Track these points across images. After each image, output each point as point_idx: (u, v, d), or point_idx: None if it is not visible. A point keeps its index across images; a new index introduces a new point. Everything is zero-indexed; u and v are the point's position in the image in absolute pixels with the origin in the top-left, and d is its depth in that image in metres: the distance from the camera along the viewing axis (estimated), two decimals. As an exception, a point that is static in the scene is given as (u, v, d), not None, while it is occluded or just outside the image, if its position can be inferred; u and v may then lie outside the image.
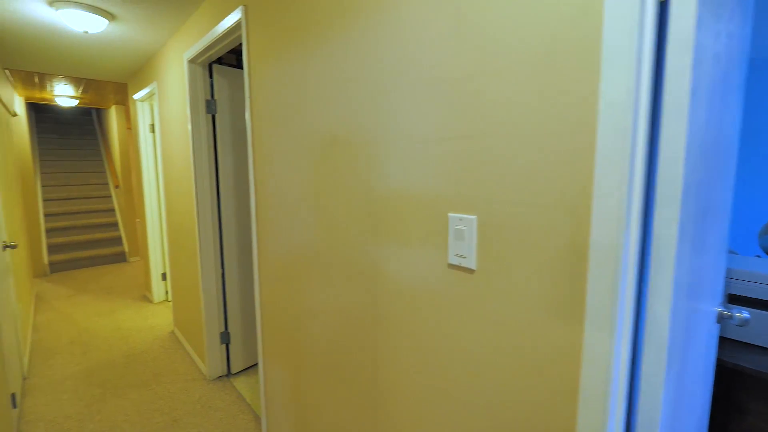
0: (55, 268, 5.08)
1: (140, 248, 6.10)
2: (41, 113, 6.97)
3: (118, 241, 5.75)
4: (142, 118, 3.61)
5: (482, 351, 0.78)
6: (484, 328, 0.77)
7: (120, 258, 5.57)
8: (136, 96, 3.49)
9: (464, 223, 0.76)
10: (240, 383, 2.38)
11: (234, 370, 2.47)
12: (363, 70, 1.01)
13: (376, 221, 1.02)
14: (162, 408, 2.16)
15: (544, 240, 0.66)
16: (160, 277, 3.86)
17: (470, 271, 0.77)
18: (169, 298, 3.90)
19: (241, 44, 2.63)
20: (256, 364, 2.59)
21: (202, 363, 2.54)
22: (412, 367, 0.96)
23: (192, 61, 2.20)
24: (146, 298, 4.00)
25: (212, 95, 2.29)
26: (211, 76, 2.28)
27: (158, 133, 3.06)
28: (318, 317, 1.35)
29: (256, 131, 1.60)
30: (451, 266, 0.81)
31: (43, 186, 5.87)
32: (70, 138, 6.77)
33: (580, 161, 0.62)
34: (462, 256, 0.77)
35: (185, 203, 2.58)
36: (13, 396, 1.95)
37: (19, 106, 4.60)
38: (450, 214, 0.80)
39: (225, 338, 2.45)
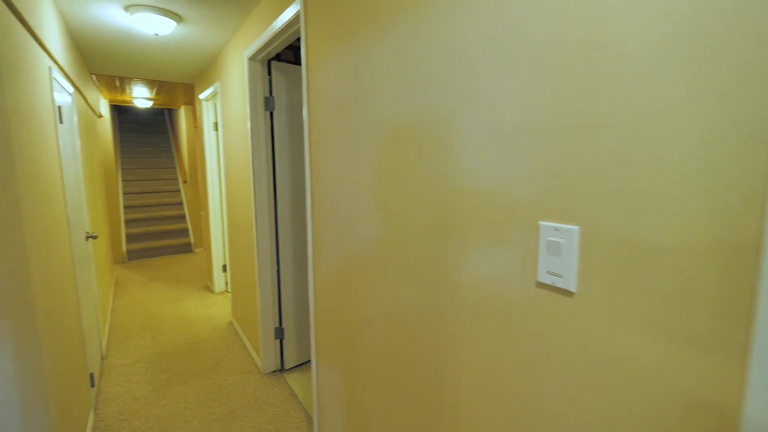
0: (132, 255, 5.55)
1: (204, 240, 6.55)
2: (123, 114, 7.66)
3: (185, 232, 6.15)
4: (207, 117, 3.78)
5: (582, 398, 0.64)
6: (587, 367, 0.63)
7: (187, 248, 5.97)
8: (202, 96, 3.65)
9: (561, 234, 0.62)
10: (293, 380, 2.39)
11: (287, 365, 2.49)
12: (438, 49, 0.89)
13: (446, 224, 0.91)
14: (220, 398, 2.22)
15: (689, 263, 0.51)
16: (221, 269, 4.05)
17: (567, 293, 0.64)
18: (229, 289, 4.08)
19: (299, 38, 2.62)
20: (308, 361, 2.60)
21: (257, 356, 2.59)
22: (485, 394, 0.84)
23: (252, 59, 2.21)
24: (208, 288, 4.21)
25: (270, 92, 2.30)
26: (269, 74, 2.29)
27: (221, 131, 3.18)
28: (376, 321, 1.27)
29: (313, 127, 1.55)
30: (541, 285, 0.68)
31: (123, 180, 6.44)
32: (146, 136, 7.37)
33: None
34: (557, 275, 0.63)
35: (244, 200, 2.64)
36: (91, 376, 2.11)
37: (104, 107, 5.06)
38: (542, 223, 0.67)
39: (279, 334, 2.48)
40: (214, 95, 3.41)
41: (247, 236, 2.64)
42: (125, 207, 6.05)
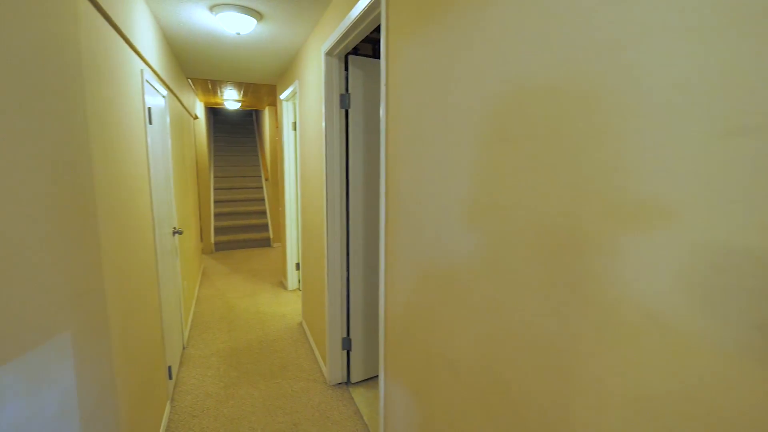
0: (219, 247, 5.96)
1: (281, 237, 6.87)
2: (217, 116, 8.33)
3: (265, 227, 6.46)
4: (287, 117, 3.83)
5: None
6: None
7: (266, 243, 6.25)
8: (282, 96, 3.70)
9: None
10: (358, 395, 2.25)
11: (353, 379, 2.36)
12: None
13: (578, 248, 0.65)
14: (285, 407, 2.15)
15: None
16: (294, 267, 4.10)
17: None
18: (301, 288, 4.12)
19: (377, 29, 2.45)
20: (375, 377, 2.43)
21: (323, 364, 2.50)
22: None
23: (328, 54, 2.10)
24: (282, 285, 4.31)
25: (346, 89, 2.17)
26: (346, 69, 2.15)
27: (298, 130, 3.17)
28: (460, 365, 1.03)
29: (391, 123, 1.36)
30: None
31: (214, 177, 6.97)
32: (235, 136, 7.92)
33: None
34: None
35: (316, 202, 2.56)
36: (169, 368, 2.18)
37: (199, 110, 5.48)
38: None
39: (346, 344, 2.35)
40: (293, 95, 3.42)
41: (318, 239, 2.56)
42: (215, 201, 6.53)
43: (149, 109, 1.99)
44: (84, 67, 1.14)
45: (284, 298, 3.91)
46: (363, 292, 2.32)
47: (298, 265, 4.11)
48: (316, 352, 2.70)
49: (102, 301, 1.18)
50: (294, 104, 3.83)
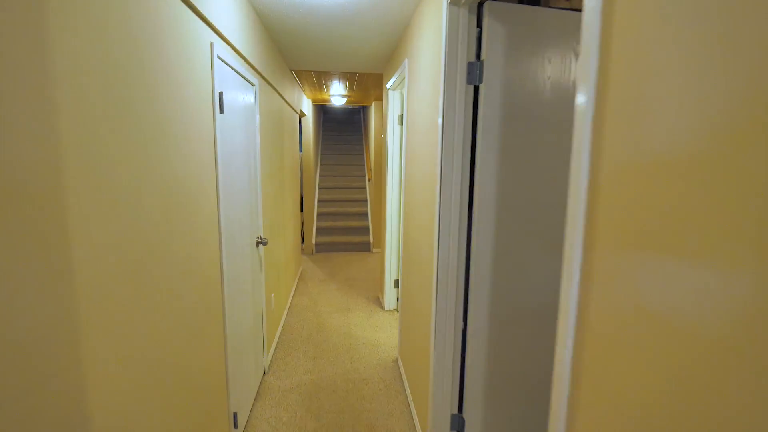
0: (320, 248, 5.78)
1: (380, 244, 6.44)
2: (326, 114, 8.34)
3: (365, 231, 6.10)
4: (392, 109, 3.26)
5: None
6: None
7: (365, 247, 5.88)
8: (388, 84, 3.15)
9: None
10: (471, 508, 1.53)
11: (464, 476, 1.64)
12: None
13: None
14: (366, 505, 1.55)
15: None
16: (392, 284, 3.53)
17: None
18: (399, 310, 3.53)
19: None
20: (495, 476, 1.67)
21: (422, 438, 1.83)
22: None
23: (453, 2, 1.40)
24: (378, 302, 3.78)
25: (478, 54, 1.45)
26: (479, 25, 1.43)
27: (405, 124, 2.56)
28: None
29: (610, 95, 0.60)
30: None
31: (319, 176, 6.90)
32: (342, 134, 7.79)
33: None
34: None
35: (423, 215, 1.90)
36: (234, 416, 1.76)
37: (307, 107, 5.33)
38: None
39: (457, 424, 1.64)
40: (400, 81, 2.83)
41: (423, 265, 1.90)
42: (319, 201, 6.41)
43: (220, 94, 1.57)
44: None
45: (379, 319, 3.37)
46: (488, 352, 1.57)
47: (396, 282, 3.53)
48: (414, 415, 2.05)
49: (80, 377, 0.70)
50: (401, 94, 3.24)
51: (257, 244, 2.26)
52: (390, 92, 3.24)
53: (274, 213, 2.84)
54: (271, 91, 2.75)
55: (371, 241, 5.88)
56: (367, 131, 7.15)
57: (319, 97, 5.46)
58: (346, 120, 8.25)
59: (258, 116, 2.26)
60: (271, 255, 2.74)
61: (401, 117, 3.26)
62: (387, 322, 3.32)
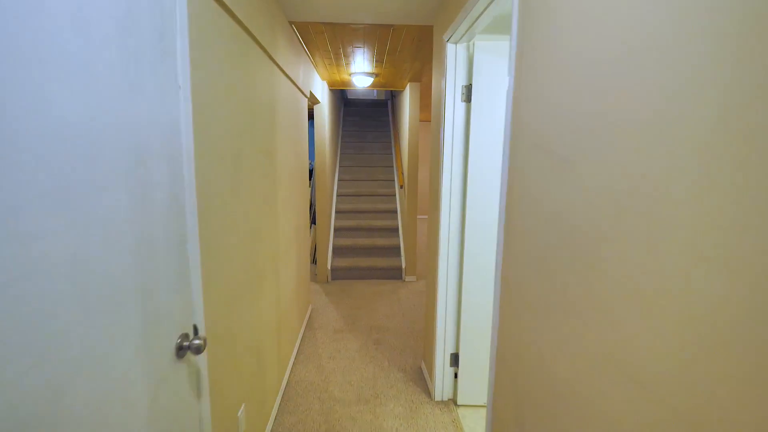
0: (336, 275, 4.52)
1: (418, 267, 4.80)
2: (347, 106, 7.09)
3: (396, 251, 4.78)
4: (452, 79, 1.95)
5: None
6: None
7: (396, 274, 4.56)
8: (446, 35, 1.83)
9: None
10: None
11: None
12: None
13: None
14: None
15: None
16: (447, 359, 2.20)
17: None
18: (458, 402, 2.19)
19: None
20: None
21: None
22: None
23: None
24: (422, 382, 2.45)
25: None
26: None
27: (475, 100, 1.25)
28: None
29: None
30: None
31: (338, 180, 5.66)
32: (367, 130, 6.51)
33: None
34: None
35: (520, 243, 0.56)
36: None
37: (322, 91, 4.08)
38: None
39: None
40: (470, 25, 1.49)
41: None
42: (336, 212, 5.15)
43: None
44: None
45: (428, 423, 2.05)
46: None
47: (455, 357, 2.20)
48: None
49: None
50: (470, 52, 1.92)
51: (179, 349, 0.99)
52: (448, 48, 1.92)
53: (245, 259, 1.56)
54: (243, 40, 1.48)
55: (404, 266, 4.55)
56: (397, 126, 5.83)
57: (337, 78, 4.19)
58: (371, 114, 6.97)
59: (223, 90, 1.00)
60: (283, 295, 1.47)
61: (468, 88, 1.94)
62: (440, 427, 2.00)
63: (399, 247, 4.78)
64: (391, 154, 6.07)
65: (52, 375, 0.56)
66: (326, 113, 4.32)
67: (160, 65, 0.87)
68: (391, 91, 6.35)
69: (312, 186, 8.27)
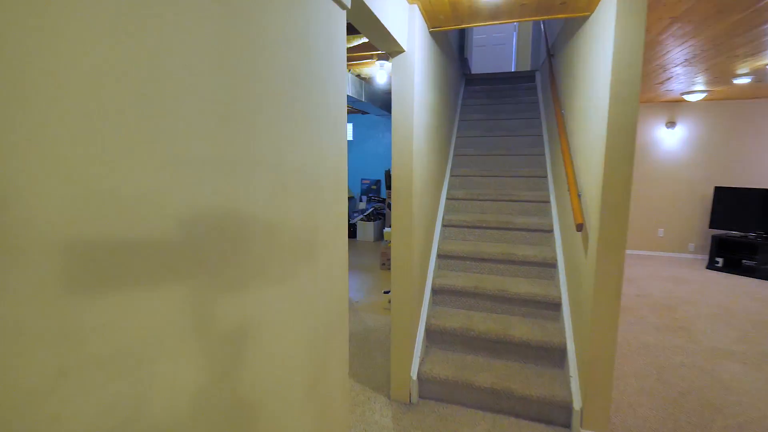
0: (427, 391, 2.31)
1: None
2: (468, 83, 4.78)
3: (553, 359, 2.32)
4: None
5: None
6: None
7: (554, 415, 2.11)
8: None
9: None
10: None
11: None
12: None
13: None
14: None
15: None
16: None
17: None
18: None
19: None
20: None
21: None
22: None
23: None
24: None
25: None
26: None
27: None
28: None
29: None
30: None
31: (450, 176, 3.49)
32: (498, 118, 4.08)
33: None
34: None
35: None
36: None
37: (413, 33, 1.95)
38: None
39: None
40: None
41: None
42: (438, 256, 2.94)
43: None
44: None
45: None
46: None
47: None
48: None
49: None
50: None
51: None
52: None
53: None
54: None
55: (578, 401, 2.07)
56: (559, 106, 3.27)
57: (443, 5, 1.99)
58: (503, 92, 4.53)
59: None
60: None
61: None
62: None
63: (563, 351, 2.30)
64: (543, 155, 3.56)
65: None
66: (419, 68, 2.16)
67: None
68: (547, 47, 3.81)
69: (386, 206, 6.13)
